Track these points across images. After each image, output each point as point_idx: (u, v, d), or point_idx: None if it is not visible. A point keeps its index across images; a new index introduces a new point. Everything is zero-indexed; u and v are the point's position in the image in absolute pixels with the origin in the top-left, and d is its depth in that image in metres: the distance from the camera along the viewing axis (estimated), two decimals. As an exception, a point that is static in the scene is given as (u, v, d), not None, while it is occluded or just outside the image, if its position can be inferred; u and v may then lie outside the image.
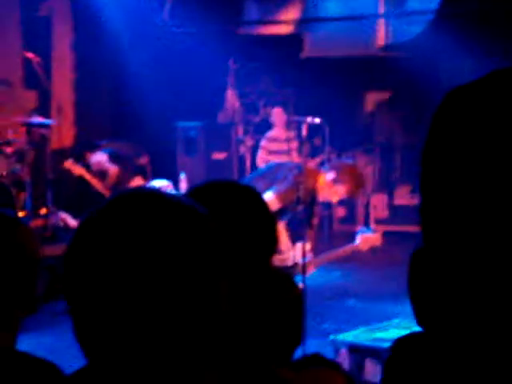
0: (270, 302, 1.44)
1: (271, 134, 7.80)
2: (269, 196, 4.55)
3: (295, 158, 7.51)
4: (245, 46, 8.72)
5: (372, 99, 9.59)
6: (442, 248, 0.67)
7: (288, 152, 7.65)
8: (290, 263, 4.58)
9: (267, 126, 8.00)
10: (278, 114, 7.70)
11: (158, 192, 1.02)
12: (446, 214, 0.66)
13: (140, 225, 0.96)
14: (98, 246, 0.96)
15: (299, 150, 7.48)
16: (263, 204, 1.52)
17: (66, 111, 8.15)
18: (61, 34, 8.29)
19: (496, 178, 0.64)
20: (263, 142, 7.76)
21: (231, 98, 8.92)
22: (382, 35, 9.10)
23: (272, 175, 4.81)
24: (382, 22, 9.07)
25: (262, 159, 7.65)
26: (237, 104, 8.88)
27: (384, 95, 9.51)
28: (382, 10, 9.00)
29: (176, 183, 7.57)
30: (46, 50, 7.92)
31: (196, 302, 0.96)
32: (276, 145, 7.71)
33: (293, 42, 9.16)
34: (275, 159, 7.22)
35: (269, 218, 1.51)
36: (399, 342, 0.74)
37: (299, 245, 4.70)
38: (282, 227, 4.53)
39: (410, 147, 8.75)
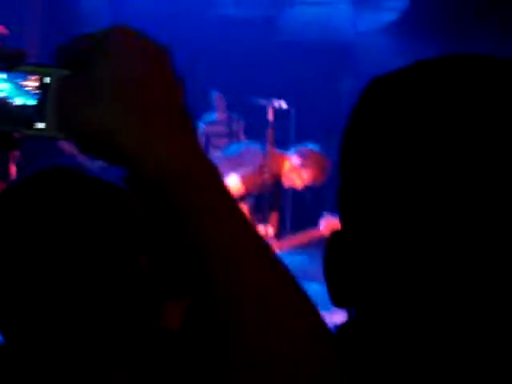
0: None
1: (212, 117, 7.81)
2: (234, 179, 4.55)
3: (241, 139, 7.55)
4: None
5: (345, 87, 9.61)
6: (356, 231, 0.68)
7: (230, 134, 7.67)
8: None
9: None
10: (219, 99, 7.74)
11: (77, 167, 1.01)
12: (361, 199, 0.67)
13: (55, 198, 0.96)
14: (11, 216, 0.96)
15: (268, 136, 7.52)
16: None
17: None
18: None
19: (411, 164, 0.64)
20: (204, 127, 7.73)
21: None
22: (356, 22, 9.10)
23: (239, 158, 4.80)
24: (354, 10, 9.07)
25: (204, 144, 7.66)
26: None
27: (356, 82, 9.53)
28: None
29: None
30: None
31: (111, 277, 0.96)
32: (217, 127, 7.72)
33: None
34: (218, 142, 7.26)
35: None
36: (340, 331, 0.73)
37: (261, 228, 4.71)
38: (245, 211, 4.52)
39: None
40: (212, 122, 7.82)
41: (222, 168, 4.38)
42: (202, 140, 7.71)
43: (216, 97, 7.84)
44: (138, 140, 0.59)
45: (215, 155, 5.78)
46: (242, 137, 7.74)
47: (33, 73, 0.64)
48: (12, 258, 0.92)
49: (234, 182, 4.44)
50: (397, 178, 0.64)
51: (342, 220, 0.70)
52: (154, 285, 1.22)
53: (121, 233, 0.95)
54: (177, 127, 0.60)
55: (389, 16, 8.64)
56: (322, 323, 0.60)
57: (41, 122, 0.63)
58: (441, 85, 0.65)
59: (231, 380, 0.57)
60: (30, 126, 0.63)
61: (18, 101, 0.64)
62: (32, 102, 0.64)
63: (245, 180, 4.53)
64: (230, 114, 7.81)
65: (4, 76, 0.64)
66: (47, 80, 0.63)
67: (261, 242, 0.60)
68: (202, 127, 7.78)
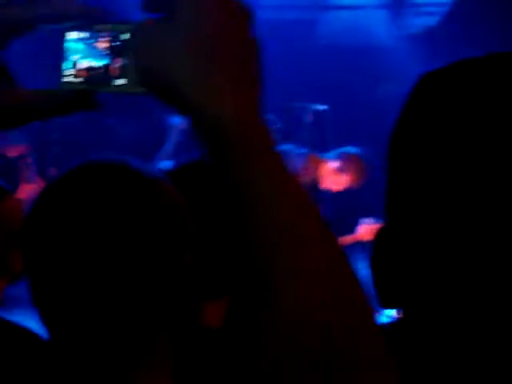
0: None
1: None
2: None
3: (277, 142, 7.54)
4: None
5: (382, 92, 9.56)
6: (404, 230, 0.67)
7: None
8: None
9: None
10: None
11: (125, 163, 1.01)
12: (409, 196, 0.67)
13: (99, 194, 0.96)
14: (56, 212, 0.97)
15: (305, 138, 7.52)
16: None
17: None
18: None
19: (461, 162, 0.64)
20: None
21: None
22: (390, 27, 9.05)
23: None
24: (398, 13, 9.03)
25: None
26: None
27: (396, 87, 9.48)
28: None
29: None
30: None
31: (156, 274, 0.96)
32: None
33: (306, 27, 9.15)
34: None
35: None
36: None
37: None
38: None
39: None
40: None
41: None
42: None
43: None
44: (213, 90, 0.61)
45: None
46: (278, 140, 7.75)
47: (111, 30, 0.64)
48: (58, 255, 0.92)
49: None
50: (446, 175, 0.64)
51: (389, 219, 0.70)
52: (196, 283, 1.22)
53: (166, 230, 0.95)
54: (247, 85, 0.63)
55: (428, 21, 8.58)
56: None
57: (121, 78, 0.63)
58: (492, 83, 0.64)
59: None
60: (110, 83, 0.64)
61: (96, 59, 0.64)
62: (109, 58, 0.64)
63: None
64: (267, 117, 7.80)
65: (81, 35, 0.65)
66: (126, 36, 0.64)
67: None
68: None
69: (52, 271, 0.92)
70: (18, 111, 0.66)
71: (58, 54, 0.66)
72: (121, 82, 0.63)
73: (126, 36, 0.63)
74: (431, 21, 8.55)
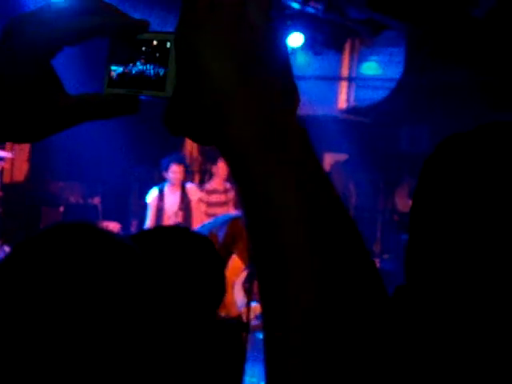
0: (212, 351, 1.43)
1: (210, 185, 7.87)
2: (235, 260, 4.57)
3: (232, 209, 7.62)
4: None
5: (329, 160, 9.71)
6: (423, 287, 0.68)
7: (226, 203, 7.74)
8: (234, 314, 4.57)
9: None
10: (222, 167, 7.81)
11: (93, 226, 1.01)
12: (430, 257, 0.68)
13: (65, 254, 0.96)
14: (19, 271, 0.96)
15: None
16: (214, 253, 1.51)
17: (22, 145, 8.08)
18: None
19: (483, 229, 0.65)
20: (202, 195, 7.79)
21: (190, 145, 8.96)
22: (343, 98, 9.26)
23: (234, 228, 4.83)
24: (345, 86, 9.25)
25: (202, 212, 7.71)
26: (195, 152, 8.92)
27: (341, 157, 9.64)
28: (345, 73, 9.19)
29: (127, 227, 7.53)
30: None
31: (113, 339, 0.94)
32: (215, 197, 7.78)
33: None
34: (215, 211, 7.35)
35: (218, 268, 1.50)
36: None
37: (256, 306, 4.69)
38: (239, 281, 4.52)
39: (362, 210, 8.85)
40: (210, 190, 7.87)
41: (216, 233, 4.40)
42: (200, 208, 7.74)
43: (220, 165, 7.91)
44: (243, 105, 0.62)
45: (209, 223, 5.81)
46: (233, 207, 7.78)
47: (154, 39, 0.68)
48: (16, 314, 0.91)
49: (235, 262, 4.50)
50: (467, 238, 0.65)
51: (408, 277, 0.71)
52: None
53: (125, 291, 0.95)
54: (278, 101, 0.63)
55: (374, 94, 8.82)
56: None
57: (162, 85, 0.67)
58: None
59: None
60: (153, 89, 0.67)
61: (139, 66, 0.68)
62: (153, 66, 0.68)
63: (244, 258, 4.57)
64: (226, 184, 7.87)
65: (125, 43, 0.69)
66: (168, 45, 0.67)
67: None
68: (201, 195, 7.85)
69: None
70: (65, 115, 0.69)
71: (103, 60, 0.70)
72: (162, 88, 0.67)
73: (168, 45, 0.67)
74: (377, 95, 8.79)
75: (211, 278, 1.44)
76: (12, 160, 7.37)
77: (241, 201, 0.63)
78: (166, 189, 7.40)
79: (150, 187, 7.57)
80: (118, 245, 0.97)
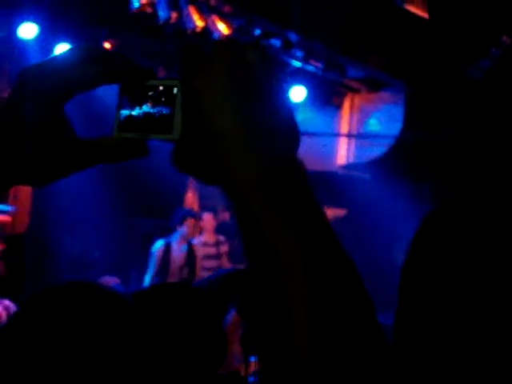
0: None
1: (201, 239, 7.85)
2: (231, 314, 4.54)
3: (225, 262, 7.58)
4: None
5: (328, 215, 9.71)
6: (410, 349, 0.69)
7: (218, 256, 7.70)
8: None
9: (222, 229, 8.04)
10: (208, 220, 7.78)
11: (95, 285, 1.04)
12: (418, 322, 0.70)
13: (66, 317, 0.98)
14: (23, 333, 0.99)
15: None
16: (215, 312, 1.51)
17: (23, 198, 8.10)
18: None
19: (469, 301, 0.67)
20: (195, 249, 7.77)
21: (191, 199, 8.98)
22: (343, 154, 9.32)
23: (230, 283, 4.80)
24: (344, 142, 9.31)
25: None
26: (196, 206, 8.94)
27: (339, 212, 9.65)
28: (344, 129, 9.26)
29: (127, 280, 7.50)
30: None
31: None
32: (206, 249, 7.75)
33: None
34: (206, 264, 7.30)
35: (220, 327, 1.50)
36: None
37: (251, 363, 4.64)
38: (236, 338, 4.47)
39: (364, 265, 8.81)
40: (200, 243, 7.87)
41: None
42: (192, 260, 7.71)
43: (206, 218, 7.90)
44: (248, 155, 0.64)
45: (204, 276, 5.80)
46: (226, 260, 7.76)
47: (160, 85, 0.72)
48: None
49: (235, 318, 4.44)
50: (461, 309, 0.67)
51: (396, 339, 0.72)
52: None
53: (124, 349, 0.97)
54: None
55: (374, 151, 8.87)
56: None
57: (169, 128, 0.70)
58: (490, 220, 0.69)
59: None
60: (159, 132, 0.70)
61: (148, 110, 0.71)
62: (160, 111, 0.71)
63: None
64: (219, 236, 7.87)
65: (134, 88, 0.72)
66: (174, 90, 0.71)
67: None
68: (192, 248, 7.83)
69: None
70: (76, 158, 0.72)
71: (114, 104, 0.73)
72: (169, 131, 0.70)
73: (175, 90, 0.70)
74: (376, 151, 8.84)
75: (212, 338, 1.45)
76: (14, 213, 7.38)
77: (240, 241, 0.65)
78: (175, 242, 7.34)
79: (150, 239, 7.54)
80: (116, 303, 1.00)
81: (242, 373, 4.57)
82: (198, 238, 7.90)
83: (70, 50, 0.72)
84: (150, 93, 0.72)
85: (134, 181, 8.18)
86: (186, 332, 1.40)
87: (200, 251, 7.71)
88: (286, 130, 0.67)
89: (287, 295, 0.62)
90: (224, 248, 7.82)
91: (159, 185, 8.17)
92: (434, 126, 8.01)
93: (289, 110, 0.67)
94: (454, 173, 7.73)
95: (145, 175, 8.21)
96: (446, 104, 7.84)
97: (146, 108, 0.72)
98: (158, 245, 7.28)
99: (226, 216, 8.54)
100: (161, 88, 0.71)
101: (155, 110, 0.71)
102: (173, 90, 0.71)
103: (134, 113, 0.72)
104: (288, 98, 0.68)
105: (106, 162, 0.74)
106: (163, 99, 0.71)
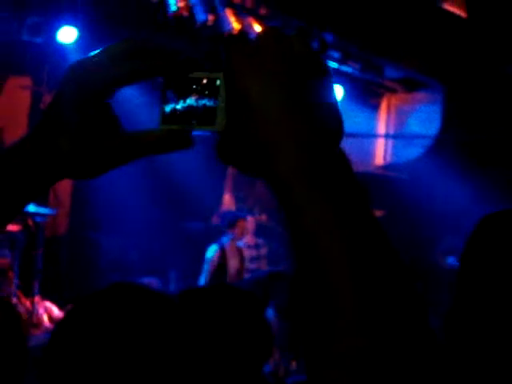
0: None
1: (244, 241, 7.86)
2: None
3: (264, 265, 7.58)
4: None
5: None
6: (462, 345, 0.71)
7: (258, 258, 7.71)
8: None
9: (261, 231, 8.06)
10: (250, 223, 7.80)
11: (139, 287, 1.06)
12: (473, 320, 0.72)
13: (117, 319, 1.00)
14: (77, 336, 1.00)
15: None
16: (260, 312, 1.53)
17: (63, 200, 8.19)
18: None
19: None
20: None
21: (228, 201, 9.02)
22: (380, 154, 9.28)
23: (269, 284, 4.81)
24: (381, 142, 9.27)
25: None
26: (233, 208, 8.97)
27: (377, 213, 9.59)
28: (382, 130, 9.22)
29: (167, 281, 7.55)
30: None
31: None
32: (249, 252, 7.77)
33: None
34: (249, 266, 7.33)
35: (265, 326, 1.52)
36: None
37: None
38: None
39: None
40: (246, 245, 7.89)
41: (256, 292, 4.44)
42: (243, 262, 7.72)
43: (250, 220, 7.93)
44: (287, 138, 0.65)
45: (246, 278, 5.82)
46: (265, 263, 7.78)
47: (204, 77, 0.72)
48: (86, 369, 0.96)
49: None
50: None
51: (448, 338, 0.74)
52: None
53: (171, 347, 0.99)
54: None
55: (412, 152, 8.82)
56: None
57: (213, 120, 0.70)
58: None
59: None
60: (204, 124, 0.71)
61: (192, 102, 0.72)
62: (203, 102, 0.71)
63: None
64: (257, 239, 7.88)
65: (179, 81, 0.73)
66: (217, 82, 0.71)
67: None
68: (242, 251, 7.85)
69: None
70: (122, 151, 0.73)
71: (158, 97, 0.73)
72: (213, 123, 0.70)
73: (218, 82, 0.71)
74: (414, 151, 8.79)
75: (257, 335, 1.46)
76: (54, 216, 7.46)
77: (286, 230, 0.65)
78: (227, 245, 7.37)
79: (190, 241, 7.56)
80: (163, 303, 1.02)
81: (281, 373, 4.56)
82: (241, 240, 7.94)
83: (116, 43, 0.73)
84: (194, 85, 0.72)
85: (171, 183, 8.23)
86: (229, 330, 1.42)
87: (246, 253, 7.75)
88: (332, 122, 0.67)
89: (333, 283, 0.62)
90: (263, 250, 7.84)
91: (197, 187, 8.23)
92: (472, 125, 7.94)
93: (334, 102, 0.68)
94: (493, 173, 7.65)
95: (183, 177, 8.28)
96: (484, 103, 7.76)
97: (189, 100, 0.72)
98: (213, 249, 7.29)
99: (263, 218, 8.57)
100: (204, 81, 0.71)
101: (199, 103, 0.71)
102: (216, 82, 0.71)
103: (178, 105, 0.72)
104: (333, 91, 0.68)
105: (150, 153, 0.74)
106: (207, 92, 0.71)
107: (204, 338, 1.05)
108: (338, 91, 8.14)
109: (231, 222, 7.45)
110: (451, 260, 8.06)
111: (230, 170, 8.89)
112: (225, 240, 7.40)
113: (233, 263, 7.35)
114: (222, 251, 7.29)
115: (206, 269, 7.22)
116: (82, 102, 0.71)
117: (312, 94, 0.66)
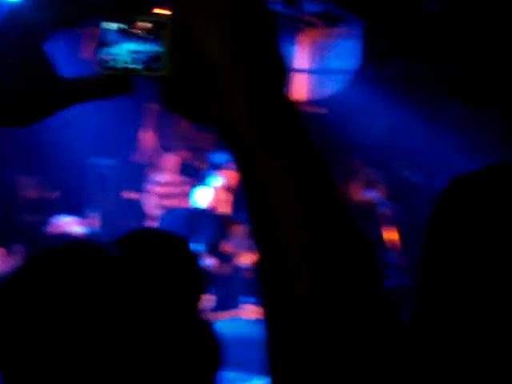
0: (190, 347, 1.46)
1: (163, 178, 7.85)
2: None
3: (186, 202, 7.64)
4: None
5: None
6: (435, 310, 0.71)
7: (179, 196, 7.75)
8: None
9: (185, 168, 8.06)
10: (170, 160, 7.79)
11: (90, 245, 1.06)
12: (441, 284, 0.72)
13: (61, 276, 1.00)
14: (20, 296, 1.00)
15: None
16: (191, 253, 1.54)
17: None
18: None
19: (490, 259, 0.68)
20: (155, 188, 7.80)
21: (150, 138, 8.93)
22: (301, 90, 9.32)
23: (196, 222, 4.85)
24: (302, 78, 9.30)
25: (154, 204, 7.72)
26: (156, 145, 8.90)
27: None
28: (302, 65, 9.24)
29: (86, 220, 7.48)
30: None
31: (112, 346, 0.98)
32: (168, 189, 7.78)
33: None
34: (168, 203, 7.36)
35: (197, 268, 1.53)
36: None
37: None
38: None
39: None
40: (163, 183, 7.87)
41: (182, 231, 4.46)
42: (152, 200, 7.76)
43: (169, 158, 7.89)
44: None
45: (165, 216, 5.83)
46: (188, 199, 7.80)
47: (148, 21, 0.70)
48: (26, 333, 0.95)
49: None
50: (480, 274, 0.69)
51: (421, 301, 0.73)
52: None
53: (119, 302, 0.99)
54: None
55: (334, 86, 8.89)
56: None
57: (159, 65, 0.69)
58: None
59: None
60: (149, 69, 0.69)
61: (134, 46, 0.70)
62: (148, 46, 0.69)
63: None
64: (180, 176, 7.88)
65: (120, 24, 0.70)
66: (163, 26, 0.69)
67: None
68: (152, 187, 7.85)
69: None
70: (59, 97, 0.71)
71: (97, 41, 0.71)
72: (158, 68, 0.68)
73: (165, 26, 0.68)
74: (334, 87, 8.86)
75: (188, 277, 1.48)
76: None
77: (239, 177, 0.65)
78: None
79: (111, 180, 7.52)
80: (109, 258, 1.02)
81: (242, 315, 4.63)
82: (160, 176, 7.93)
83: None
84: (138, 29, 0.70)
85: (85, 119, 8.08)
86: (163, 274, 1.43)
87: (163, 190, 7.75)
88: (276, 64, 0.67)
89: (286, 244, 0.62)
90: (186, 188, 7.86)
91: (111, 123, 8.10)
92: (392, 60, 8.03)
93: (278, 45, 0.67)
94: (410, 107, 7.80)
95: (98, 114, 8.12)
96: (404, 38, 7.85)
97: (132, 44, 0.70)
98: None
99: (187, 156, 8.55)
100: (149, 24, 0.69)
101: (142, 46, 0.69)
102: (163, 26, 0.69)
103: (120, 50, 0.70)
104: (277, 33, 0.67)
105: (91, 99, 0.73)
106: (152, 35, 0.69)
107: (144, 286, 1.05)
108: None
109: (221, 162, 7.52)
110: (368, 193, 8.24)
111: (152, 107, 8.78)
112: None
113: None
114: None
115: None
116: (22, 43, 0.69)
117: (257, 36, 0.66)
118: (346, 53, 8.64)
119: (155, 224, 6.82)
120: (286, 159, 0.64)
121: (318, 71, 9.15)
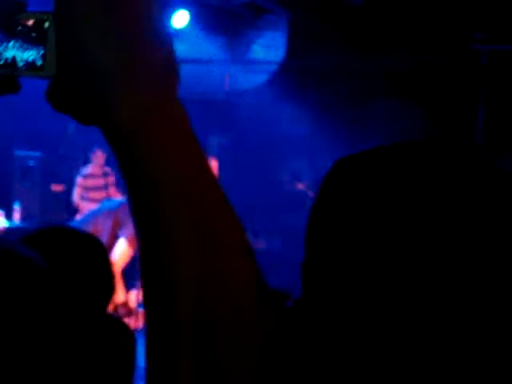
0: (102, 348, 1.45)
1: (87, 170, 7.83)
2: (122, 244, 4.52)
3: (113, 192, 7.61)
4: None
5: (215, 142, 9.75)
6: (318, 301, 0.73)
7: (105, 187, 7.72)
8: (123, 310, 4.55)
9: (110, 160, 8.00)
10: (97, 155, 7.75)
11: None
12: (326, 270, 0.73)
13: None
14: None
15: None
16: (103, 251, 1.53)
17: None
18: None
19: (374, 242, 0.71)
20: (79, 180, 7.78)
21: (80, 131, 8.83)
22: (227, 81, 9.31)
23: (120, 215, 4.77)
24: (228, 69, 9.29)
25: (79, 196, 7.70)
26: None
27: (226, 139, 9.70)
28: (228, 56, 9.22)
29: (10, 213, 7.35)
30: None
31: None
32: (92, 181, 7.74)
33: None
34: (93, 195, 7.34)
35: (107, 266, 1.52)
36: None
37: (133, 293, 4.69)
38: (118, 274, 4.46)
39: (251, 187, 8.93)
40: (87, 175, 7.80)
41: (105, 224, 4.41)
42: (78, 192, 7.71)
43: (95, 151, 7.82)
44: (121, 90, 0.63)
45: (92, 209, 5.76)
46: (114, 190, 7.74)
47: (30, 19, 0.68)
48: None
49: (122, 246, 4.46)
50: (362, 257, 0.70)
51: (305, 291, 0.74)
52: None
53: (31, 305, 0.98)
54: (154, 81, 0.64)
55: (257, 78, 8.92)
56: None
57: (42, 64, 0.67)
58: (395, 170, 0.73)
59: None
60: (30, 67, 0.68)
61: (16, 47, 0.68)
62: (30, 46, 0.68)
63: (131, 242, 4.49)
64: (104, 168, 7.81)
65: (3, 23, 0.69)
66: (46, 25, 0.68)
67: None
68: (78, 179, 7.79)
69: None
70: None
71: None
72: (41, 67, 0.67)
73: (47, 24, 0.67)
74: (259, 77, 8.88)
75: (98, 277, 1.46)
76: None
77: (123, 180, 0.64)
78: None
79: (32, 170, 7.43)
80: (14, 258, 1.01)
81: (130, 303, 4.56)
82: (85, 168, 7.88)
83: None
84: (19, 27, 0.68)
85: (15, 114, 7.92)
86: (72, 274, 1.40)
87: (88, 182, 7.68)
88: (165, 63, 0.65)
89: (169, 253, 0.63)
90: (111, 179, 7.79)
91: (40, 117, 7.95)
92: (315, 51, 8.10)
93: (167, 42, 0.65)
94: (331, 97, 7.88)
95: (26, 109, 7.95)
96: (327, 30, 7.93)
97: (15, 44, 0.68)
98: None
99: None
100: (30, 22, 0.68)
101: (24, 46, 0.68)
102: (44, 24, 0.68)
103: (2, 49, 0.69)
104: (166, 28, 0.66)
105: None
106: (33, 34, 0.68)
107: (51, 286, 1.05)
108: (184, 17, 8.04)
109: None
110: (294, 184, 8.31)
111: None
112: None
113: None
114: None
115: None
116: None
117: (144, 33, 0.64)
118: (271, 44, 8.67)
119: (79, 216, 6.75)
120: (172, 163, 0.63)
121: (243, 62, 9.15)
